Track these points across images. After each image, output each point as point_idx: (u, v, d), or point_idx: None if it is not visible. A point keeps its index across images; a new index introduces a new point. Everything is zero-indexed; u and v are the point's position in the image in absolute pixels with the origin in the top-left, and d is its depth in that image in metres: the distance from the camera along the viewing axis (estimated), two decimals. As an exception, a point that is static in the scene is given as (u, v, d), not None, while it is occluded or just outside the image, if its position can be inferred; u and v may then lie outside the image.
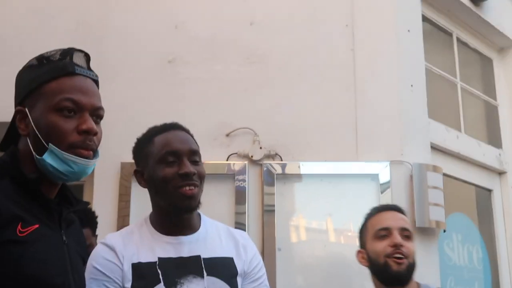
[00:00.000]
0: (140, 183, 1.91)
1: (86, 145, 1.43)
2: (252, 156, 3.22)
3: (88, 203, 1.56)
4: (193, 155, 1.86)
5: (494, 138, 4.64)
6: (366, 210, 3.17)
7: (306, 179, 3.26)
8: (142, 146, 1.89)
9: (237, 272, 1.85)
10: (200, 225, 1.90)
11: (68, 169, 1.42)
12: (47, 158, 1.40)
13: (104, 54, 3.34)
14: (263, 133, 3.27)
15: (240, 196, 3.15)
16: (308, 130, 3.31)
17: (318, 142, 3.30)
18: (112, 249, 1.79)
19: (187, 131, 1.94)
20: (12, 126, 1.49)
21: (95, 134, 1.45)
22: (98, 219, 2.68)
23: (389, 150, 3.31)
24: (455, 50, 4.45)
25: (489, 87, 4.80)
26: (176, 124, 1.94)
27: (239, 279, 1.86)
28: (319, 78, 3.41)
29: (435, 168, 3.35)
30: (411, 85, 3.51)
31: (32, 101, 1.44)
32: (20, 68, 1.51)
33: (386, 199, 3.19)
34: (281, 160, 3.24)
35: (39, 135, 1.41)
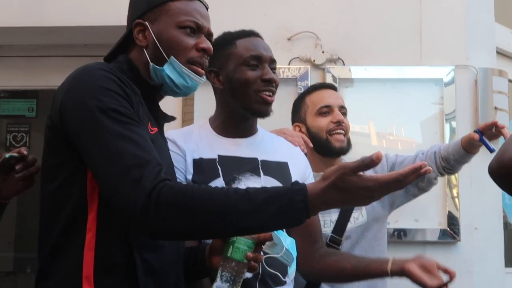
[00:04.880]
0: (213, 83, 1.94)
1: (202, 61, 1.55)
2: (314, 60, 3.20)
3: (174, 118, 1.63)
4: (273, 63, 1.92)
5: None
6: (430, 115, 3.21)
7: (369, 83, 3.24)
8: (222, 47, 1.91)
9: (291, 176, 1.92)
10: (257, 130, 1.97)
11: (183, 83, 1.54)
12: (167, 69, 1.52)
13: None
14: (325, 37, 3.23)
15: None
16: (371, 34, 3.26)
17: (381, 46, 3.25)
18: (173, 142, 1.85)
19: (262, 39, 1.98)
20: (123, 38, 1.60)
21: (210, 54, 1.57)
22: None
23: (454, 54, 3.24)
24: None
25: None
26: (256, 31, 1.98)
27: None
28: (383, -21, 3.32)
29: (500, 73, 3.29)
30: (477, -13, 3.39)
31: (154, 16, 1.54)
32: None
33: (450, 104, 3.18)
34: (344, 64, 3.22)
35: (160, 47, 1.51)
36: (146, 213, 1.26)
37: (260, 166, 1.86)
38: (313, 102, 2.45)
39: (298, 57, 3.21)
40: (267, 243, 1.52)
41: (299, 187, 1.29)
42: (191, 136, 1.90)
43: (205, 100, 2.41)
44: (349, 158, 2.43)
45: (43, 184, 1.48)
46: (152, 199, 1.26)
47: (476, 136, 2.33)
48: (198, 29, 1.56)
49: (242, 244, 1.49)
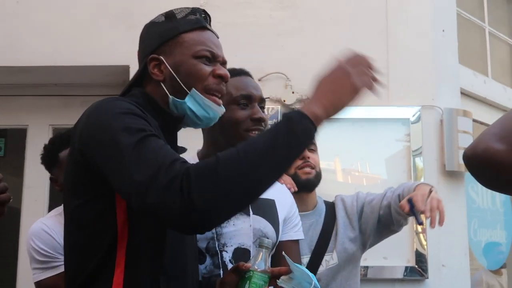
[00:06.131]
0: None
1: (220, 88, 1.55)
2: (284, 101, 3.26)
3: (186, 149, 1.62)
4: (262, 102, 1.93)
5: (519, 83, 4.65)
6: (396, 152, 3.27)
7: (338, 123, 3.27)
8: None
9: (278, 215, 1.93)
10: None
11: (205, 114, 1.54)
12: (188, 101, 1.52)
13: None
14: (295, 78, 3.30)
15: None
16: (340, 75, 3.33)
17: (350, 86, 3.32)
18: None
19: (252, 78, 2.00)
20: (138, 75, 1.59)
21: (227, 81, 1.57)
22: None
23: (420, 95, 3.34)
24: (484, -6, 4.42)
25: (516, 32, 4.78)
26: (246, 70, 1.99)
27: (281, 223, 1.94)
28: (351, 22, 3.42)
29: (465, 113, 3.39)
30: (443, 30, 3.51)
31: (169, 49, 1.54)
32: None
33: (416, 141, 3.26)
34: (313, 105, 3.27)
35: (178, 79, 1.51)
36: (186, 205, 1.21)
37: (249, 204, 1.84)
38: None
39: (269, 97, 3.26)
40: (282, 277, 1.52)
41: (290, 114, 1.33)
42: None
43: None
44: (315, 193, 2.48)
45: (69, 223, 1.47)
46: (184, 190, 1.21)
47: (407, 208, 2.20)
48: (214, 58, 1.56)
49: (259, 279, 1.49)
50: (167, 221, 1.28)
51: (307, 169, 2.39)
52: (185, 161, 1.28)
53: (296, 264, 1.56)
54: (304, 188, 2.38)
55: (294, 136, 1.29)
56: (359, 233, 2.44)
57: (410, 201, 2.18)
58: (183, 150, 1.60)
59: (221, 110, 1.56)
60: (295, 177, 2.35)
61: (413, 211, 2.16)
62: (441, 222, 2.14)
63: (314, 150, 2.48)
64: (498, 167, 1.02)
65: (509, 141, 1.01)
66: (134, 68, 1.69)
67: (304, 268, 1.56)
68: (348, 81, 1.39)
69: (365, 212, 2.45)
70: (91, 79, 3.43)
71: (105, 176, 1.33)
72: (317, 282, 1.52)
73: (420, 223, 2.31)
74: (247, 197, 1.29)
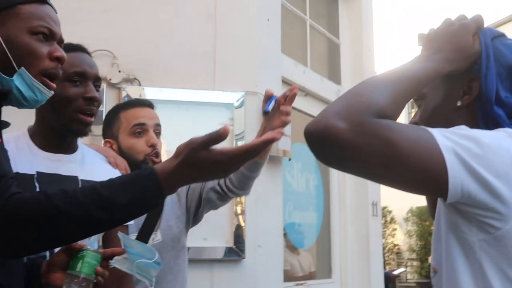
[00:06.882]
0: None
1: (57, 72, 1.46)
2: (110, 79, 3.19)
3: (9, 124, 1.52)
4: (97, 81, 1.86)
5: (334, 75, 4.97)
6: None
7: (164, 104, 3.29)
8: None
9: None
10: (78, 147, 1.90)
11: (33, 96, 1.43)
12: (16, 80, 1.40)
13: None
14: (122, 57, 3.24)
15: (96, 120, 3.10)
16: (168, 57, 3.34)
17: (177, 69, 3.34)
18: None
19: (91, 56, 1.91)
20: None
21: (63, 63, 1.48)
22: None
23: (244, 81, 3.44)
24: (306, -13, 4.65)
25: (334, 26, 5.09)
26: (83, 46, 1.90)
27: None
28: (181, 5, 3.42)
29: (285, 101, 3.55)
30: (268, 20, 3.64)
31: (2, 19, 1.42)
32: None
33: (239, 126, 3.36)
34: (140, 85, 3.25)
35: (9, 54, 1.38)
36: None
37: (80, 185, 1.78)
38: (127, 119, 2.36)
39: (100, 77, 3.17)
40: (115, 257, 1.49)
41: (147, 172, 1.29)
42: (7, 147, 1.78)
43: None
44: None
45: None
46: (3, 214, 1.21)
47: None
48: (51, 36, 1.47)
49: (92, 259, 1.45)
50: None
51: (156, 159, 2.32)
52: (12, 179, 1.29)
53: (136, 241, 1.54)
54: None
55: (138, 203, 1.31)
56: (185, 210, 2.45)
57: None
58: (7, 124, 1.50)
59: (50, 93, 1.48)
60: (143, 164, 2.28)
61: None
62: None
63: (159, 133, 2.41)
64: (338, 144, 1.07)
65: (350, 120, 1.07)
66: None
67: (144, 244, 1.55)
68: (219, 168, 1.33)
69: (191, 187, 2.47)
70: None
71: None
72: (159, 257, 1.50)
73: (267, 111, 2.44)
74: (53, 245, 1.39)
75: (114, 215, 1.29)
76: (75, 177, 1.81)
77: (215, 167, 1.29)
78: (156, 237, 2.36)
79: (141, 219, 2.34)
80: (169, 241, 2.39)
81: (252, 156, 1.30)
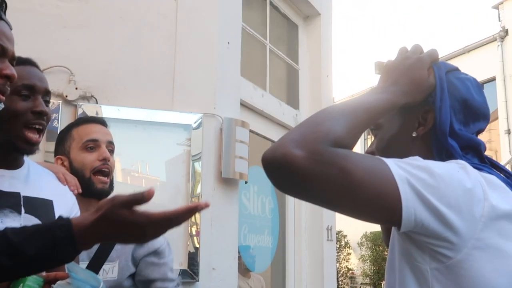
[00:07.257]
0: None
1: (5, 89, 1.43)
2: (66, 96, 3.15)
3: None
4: (47, 95, 1.80)
5: (293, 100, 5.01)
6: (176, 156, 3.36)
7: (121, 123, 3.27)
8: None
9: (55, 216, 1.83)
10: (23, 162, 1.83)
11: None
12: None
13: None
14: (80, 74, 3.21)
15: (51, 136, 3.07)
16: (126, 75, 3.32)
17: (135, 88, 3.32)
18: None
19: (41, 71, 1.86)
20: None
21: (13, 81, 1.44)
22: None
23: (203, 103, 3.44)
24: (267, 13, 4.69)
25: (293, 52, 5.15)
26: (33, 60, 1.85)
27: None
28: (141, 24, 3.41)
29: (243, 124, 3.57)
30: (228, 43, 3.66)
31: None
32: None
33: (196, 147, 3.35)
34: (97, 103, 3.21)
35: None
36: None
37: (22, 202, 1.72)
38: (79, 135, 2.29)
39: (51, 91, 3.12)
40: (58, 282, 1.44)
41: (62, 223, 1.23)
42: None
43: None
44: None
45: None
46: None
47: None
48: (3, 53, 1.43)
49: (33, 282, 1.40)
50: None
51: (104, 178, 2.24)
52: None
53: (81, 268, 1.51)
54: (96, 195, 2.22)
55: (48, 254, 1.24)
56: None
57: None
58: None
59: (1, 106, 1.45)
60: (89, 183, 2.21)
61: None
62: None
63: (112, 151, 2.34)
64: (295, 172, 1.08)
65: (307, 148, 1.08)
66: None
67: (89, 271, 1.51)
68: (137, 231, 1.26)
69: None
70: None
71: None
72: (104, 286, 1.46)
73: None
74: None
75: (19, 264, 1.23)
76: (18, 193, 1.74)
77: (133, 228, 1.22)
78: (112, 273, 2.26)
79: (94, 248, 2.28)
80: (124, 280, 2.29)
81: (175, 224, 1.24)
